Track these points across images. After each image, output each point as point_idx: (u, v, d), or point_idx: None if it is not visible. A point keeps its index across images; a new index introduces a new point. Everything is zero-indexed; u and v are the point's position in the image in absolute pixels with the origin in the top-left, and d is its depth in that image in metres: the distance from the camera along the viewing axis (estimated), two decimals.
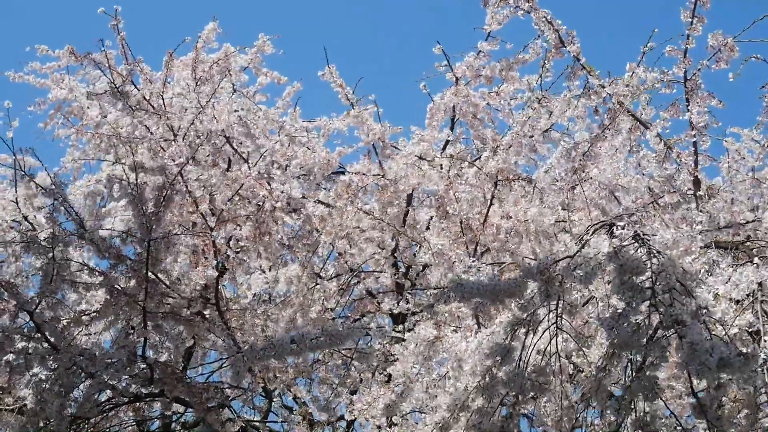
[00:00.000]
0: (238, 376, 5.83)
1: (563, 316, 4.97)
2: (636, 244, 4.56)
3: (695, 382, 4.53)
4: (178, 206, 7.13)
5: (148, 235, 6.44)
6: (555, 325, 4.96)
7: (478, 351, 5.03)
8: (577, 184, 6.67)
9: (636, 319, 4.43)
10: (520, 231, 6.83)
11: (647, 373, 4.50)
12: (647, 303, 4.43)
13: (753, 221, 5.82)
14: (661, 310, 4.37)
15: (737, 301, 4.59)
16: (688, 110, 6.10)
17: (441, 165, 7.05)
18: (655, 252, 4.51)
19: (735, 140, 6.68)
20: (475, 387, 5.10)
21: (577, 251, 4.65)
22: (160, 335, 6.93)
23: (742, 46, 6.03)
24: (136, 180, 6.55)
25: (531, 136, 6.83)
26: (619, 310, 4.46)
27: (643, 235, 4.59)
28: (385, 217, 7.45)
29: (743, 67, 5.99)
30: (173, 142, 7.35)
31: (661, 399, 4.69)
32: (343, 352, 8.08)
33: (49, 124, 8.61)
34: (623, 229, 4.65)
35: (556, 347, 5.01)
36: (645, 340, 4.42)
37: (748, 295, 4.57)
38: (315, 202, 7.50)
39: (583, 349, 5.13)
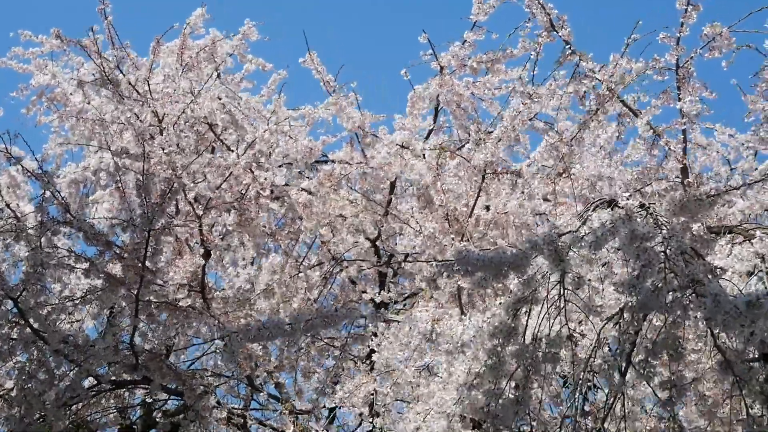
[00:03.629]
0: (233, 355, 5.83)
1: (567, 290, 4.93)
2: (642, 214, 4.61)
3: None
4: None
5: (149, 224, 6.43)
6: (562, 297, 4.91)
7: (479, 333, 5.03)
8: (562, 173, 6.69)
9: (653, 281, 4.44)
10: (501, 223, 6.84)
11: (670, 330, 4.56)
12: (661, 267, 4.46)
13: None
14: (677, 271, 4.40)
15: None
16: (679, 98, 6.10)
17: (423, 155, 7.05)
18: (663, 221, 4.58)
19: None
20: (480, 370, 5.09)
21: (580, 226, 4.68)
22: (153, 323, 6.94)
23: (736, 35, 6.03)
24: (143, 168, 6.53)
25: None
26: (636, 272, 4.47)
27: (650, 203, 4.63)
28: (367, 204, 7.47)
29: (735, 56, 6.01)
30: (159, 129, 7.35)
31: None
32: (326, 340, 8.11)
33: (32, 110, 8.58)
34: (628, 199, 4.69)
35: (565, 318, 4.97)
36: (665, 299, 4.43)
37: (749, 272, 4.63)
38: (298, 189, 7.52)
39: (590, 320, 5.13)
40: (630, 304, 4.60)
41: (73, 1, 20.77)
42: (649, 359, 4.66)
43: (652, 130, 6.25)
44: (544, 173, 6.75)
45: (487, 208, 7.05)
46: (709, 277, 4.45)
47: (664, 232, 4.53)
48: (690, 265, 4.45)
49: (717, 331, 4.58)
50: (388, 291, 7.57)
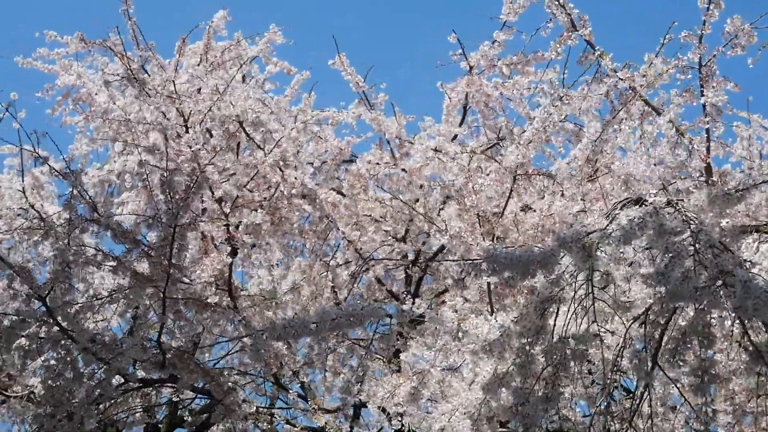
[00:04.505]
0: (258, 354, 5.82)
1: (595, 288, 4.95)
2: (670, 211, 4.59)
3: None
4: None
5: (174, 220, 6.42)
6: (591, 294, 4.91)
7: (506, 332, 5.02)
8: (594, 176, 6.66)
9: (683, 272, 4.44)
10: (546, 226, 6.79)
11: (700, 317, 4.56)
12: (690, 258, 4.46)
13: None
14: (706, 263, 4.40)
15: None
16: (702, 95, 6.05)
17: (454, 157, 7.03)
18: (691, 217, 4.56)
19: (745, 125, 6.67)
20: (508, 368, 5.09)
21: (608, 224, 4.66)
22: (180, 321, 6.93)
23: (759, 32, 5.98)
24: (167, 165, 6.53)
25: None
26: (665, 263, 4.46)
27: (678, 199, 4.62)
28: (395, 204, 7.45)
29: (761, 54, 5.96)
30: (185, 128, 7.35)
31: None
32: (353, 340, 8.09)
33: (57, 110, 8.58)
34: (656, 196, 4.68)
35: (594, 316, 4.97)
36: (695, 288, 4.42)
37: None
38: (328, 190, 7.52)
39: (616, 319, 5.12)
40: (659, 295, 4.59)
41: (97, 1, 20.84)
42: (678, 348, 4.66)
43: (674, 129, 6.21)
44: (576, 174, 6.70)
45: (527, 209, 7.01)
46: (739, 265, 4.44)
47: (693, 226, 4.52)
48: (719, 258, 4.45)
49: (747, 321, 4.58)
50: (421, 298, 7.53)
